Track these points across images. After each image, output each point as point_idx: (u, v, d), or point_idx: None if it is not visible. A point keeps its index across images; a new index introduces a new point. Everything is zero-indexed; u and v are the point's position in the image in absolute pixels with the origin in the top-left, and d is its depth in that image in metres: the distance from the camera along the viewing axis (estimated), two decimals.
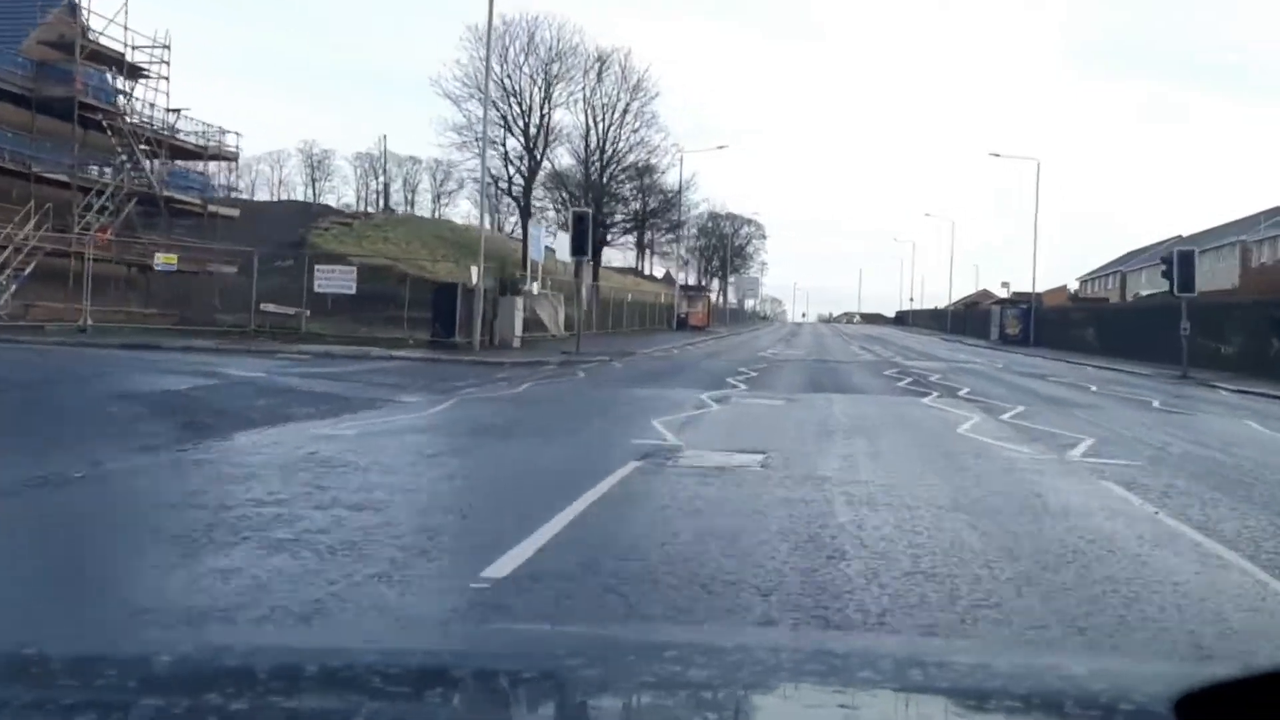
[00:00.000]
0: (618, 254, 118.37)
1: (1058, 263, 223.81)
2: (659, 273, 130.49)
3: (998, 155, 57.35)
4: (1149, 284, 75.45)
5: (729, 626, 4.18)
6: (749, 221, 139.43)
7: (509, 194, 57.31)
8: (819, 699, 1.43)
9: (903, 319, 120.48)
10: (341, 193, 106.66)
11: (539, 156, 56.20)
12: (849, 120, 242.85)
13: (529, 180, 55.79)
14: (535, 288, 32.73)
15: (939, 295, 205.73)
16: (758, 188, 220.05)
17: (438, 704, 1.38)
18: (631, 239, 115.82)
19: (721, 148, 59.22)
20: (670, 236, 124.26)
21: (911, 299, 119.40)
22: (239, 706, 1.25)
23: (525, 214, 55.89)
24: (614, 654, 1.67)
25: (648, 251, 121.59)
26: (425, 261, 47.42)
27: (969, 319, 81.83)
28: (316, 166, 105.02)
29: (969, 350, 46.29)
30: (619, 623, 4.19)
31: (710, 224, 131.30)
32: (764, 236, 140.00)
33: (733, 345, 41.34)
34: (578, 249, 26.29)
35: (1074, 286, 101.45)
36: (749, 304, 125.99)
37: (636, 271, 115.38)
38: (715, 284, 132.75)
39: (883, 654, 1.72)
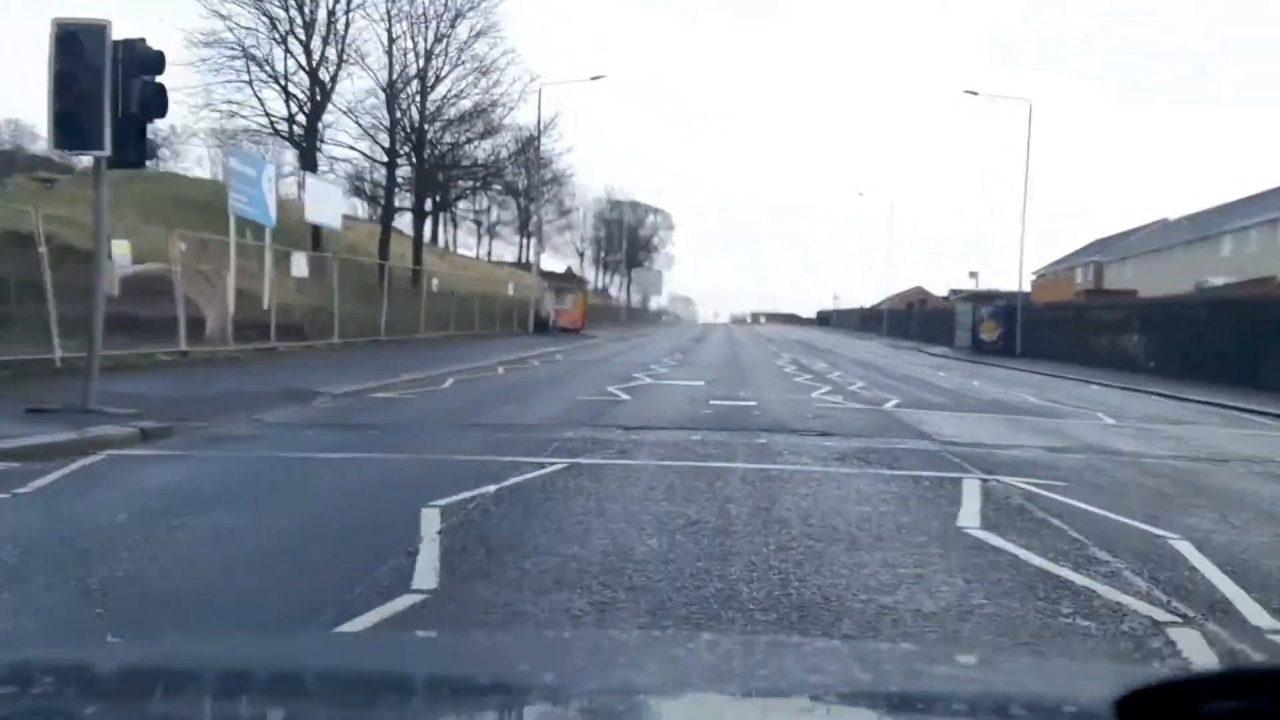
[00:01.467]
0: (506, 247, 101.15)
1: (1001, 259, 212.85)
2: (559, 267, 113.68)
3: (974, 94, 41.85)
4: (1137, 273, 61.64)
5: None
6: (655, 210, 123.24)
7: (289, 139, 39.73)
8: (770, 704, 1.41)
9: (826, 319, 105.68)
10: (191, 169, 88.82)
11: (329, 84, 38.87)
12: (769, 110, 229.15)
13: (312, 117, 38.43)
14: (119, 250, 15.45)
15: (862, 296, 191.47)
16: (668, 181, 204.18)
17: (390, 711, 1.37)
18: (509, 224, 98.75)
19: (596, 78, 41.66)
20: (562, 223, 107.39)
21: (836, 296, 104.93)
22: None
23: (310, 164, 38.45)
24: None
25: (533, 239, 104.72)
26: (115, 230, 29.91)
27: (916, 320, 66.86)
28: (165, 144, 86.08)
29: (955, 367, 30.44)
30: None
31: (611, 211, 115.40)
32: (671, 226, 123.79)
33: (590, 364, 24.68)
34: (69, 136, 9.47)
35: (1029, 280, 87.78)
36: (654, 302, 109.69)
37: (522, 264, 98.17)
38: (618, 280, 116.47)
39: (831, 658, 1.74)
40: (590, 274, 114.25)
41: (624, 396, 15.03)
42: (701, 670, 1.54)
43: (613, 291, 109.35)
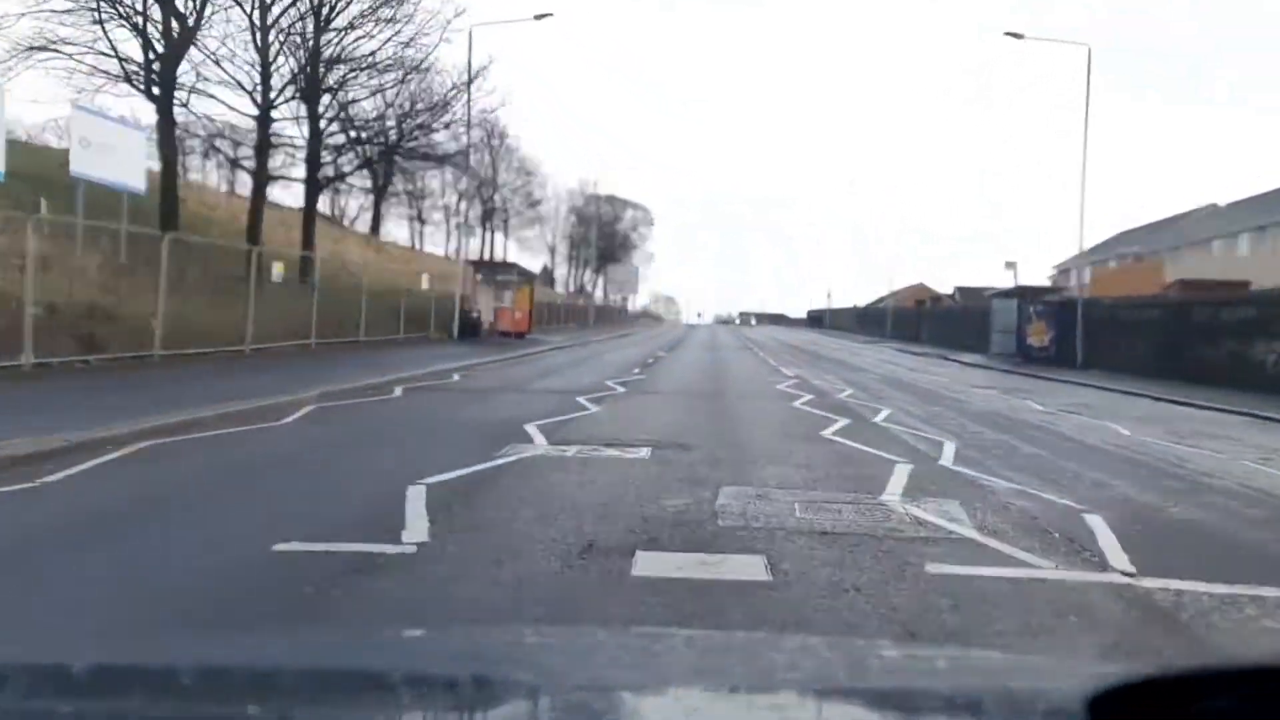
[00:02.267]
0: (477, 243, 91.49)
1: (1004, 256, 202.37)
2: (532, 265, 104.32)
3: (1019, 36, 32.38)
4: (1190, 266, 52.23)
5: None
6: (634, 205, 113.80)
7: (144, 89, 30.26)
8: (749, 701, 1.39)
9: (819, 320, 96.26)
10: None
11: (193, 19, 29.43)
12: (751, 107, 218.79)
13: (169, 60, 29.00)
14: None
15: (855, 295, 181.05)
16: (649, 171, 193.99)
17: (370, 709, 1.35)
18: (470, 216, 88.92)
19: (541, 17, 32.14)
20: (531, 214, 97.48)
21: (829, 294, 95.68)
22: None
23: (167, 121, 29.07)
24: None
25: (495, 235, 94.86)
26: None
27: (928, 320, 57.54)
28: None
29: (1029, 387, 21.26)
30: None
31: (587, 205, 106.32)
32: (650, 222, 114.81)
33: (486, 394, 15.45)
34: None
35: (1048, 275, 78.76)
36: (633, 301, 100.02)
37: (485, 262, 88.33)
38: (597, 280, 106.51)
39: (809, 655, 1.73)
40: (561, 271, 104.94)
41: (409, 544, 5.63)
42: (680, 667, 1.54)
43: (593, 290, 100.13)
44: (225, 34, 30.42)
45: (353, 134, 31.75)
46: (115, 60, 29.20)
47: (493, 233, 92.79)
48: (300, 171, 33.79)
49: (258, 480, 7.58)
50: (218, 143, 31.71)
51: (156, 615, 4.21)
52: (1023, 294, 35.75)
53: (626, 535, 5.73)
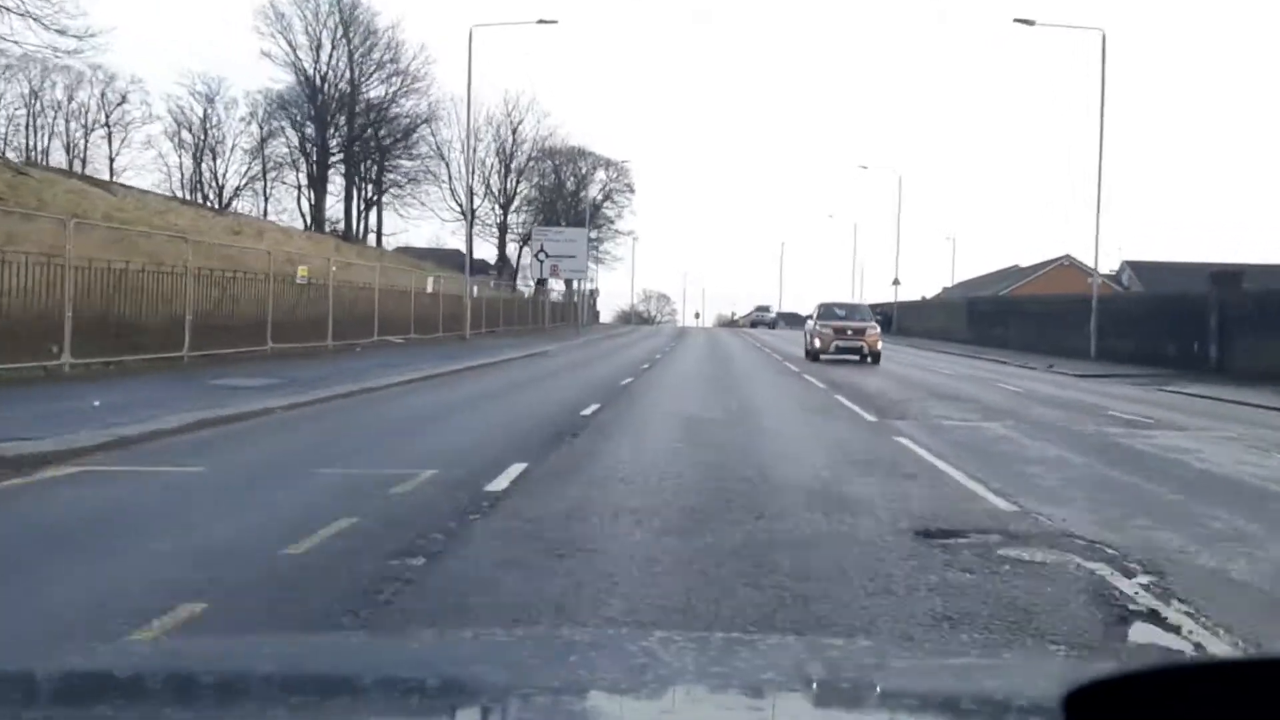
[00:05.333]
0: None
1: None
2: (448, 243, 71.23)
3: None
4: None
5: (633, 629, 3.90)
6: (606, 162, 79.87)
7: None
8: (725, 701, 1.39)
9: (885, 320, 62.82)
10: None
11: None
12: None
13: None
14: None
15: (916, 285, 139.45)
16: (630, 130, 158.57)
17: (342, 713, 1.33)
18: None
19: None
20: (422, 152, 61.99)
21: (897, 281, 62.05)
22: None
23: None
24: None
25: (355, 189, 60.97)
26: None
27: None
28: None
29: None
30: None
31: (539, 159, 73.34)
32: (630, 189, 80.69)
33: None
34: None
35: None
36: (576, 286, 65.98)
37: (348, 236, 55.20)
38: (537, 259, 72.46)
39: (785, 655, 1.73)
40: (484, 249, 70.76)
41: None
42: (656, 667, 1.52)
43: (558, 283, 66.18)
44: None
45: None
46: None
47: (355, 186, 59.00)
48: None
49: None
50: None
51: None
52: None
53: None
